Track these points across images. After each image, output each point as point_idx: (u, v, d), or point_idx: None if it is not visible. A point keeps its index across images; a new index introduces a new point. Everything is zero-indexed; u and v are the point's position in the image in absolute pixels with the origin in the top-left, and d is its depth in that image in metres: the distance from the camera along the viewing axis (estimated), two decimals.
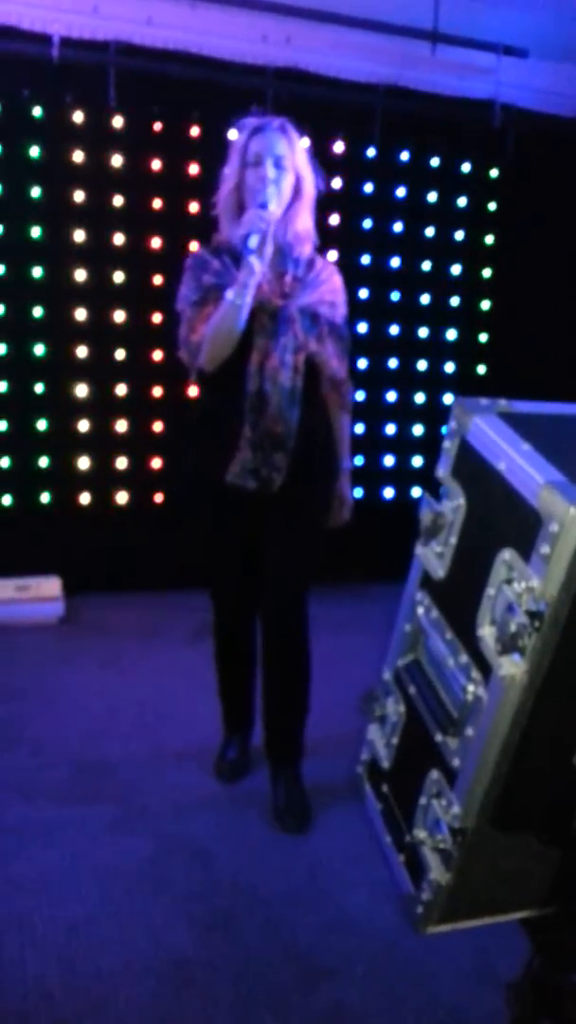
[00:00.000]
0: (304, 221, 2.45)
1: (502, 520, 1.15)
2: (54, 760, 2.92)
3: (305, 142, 2.46)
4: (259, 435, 2.39)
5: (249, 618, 2.71)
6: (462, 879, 1.29)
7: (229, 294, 2.29)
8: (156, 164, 4.01)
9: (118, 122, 3.91)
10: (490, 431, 1.19)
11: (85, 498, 4.20)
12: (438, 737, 1.27)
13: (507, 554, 1.14)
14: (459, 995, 2.07)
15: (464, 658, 1.23)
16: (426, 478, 4.71)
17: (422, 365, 4.63)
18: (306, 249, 2.47)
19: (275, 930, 2.24)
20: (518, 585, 1.11)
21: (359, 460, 4.55)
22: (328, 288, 2.48)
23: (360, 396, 4.52)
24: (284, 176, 2.36)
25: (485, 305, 4.68)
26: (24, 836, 2.54)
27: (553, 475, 1.10)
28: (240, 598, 2.67)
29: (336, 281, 2.51)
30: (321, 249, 4.11)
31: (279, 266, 2.41)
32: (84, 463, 4.17)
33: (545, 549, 1.07)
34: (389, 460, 4.65)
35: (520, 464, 1.13)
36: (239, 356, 2.36)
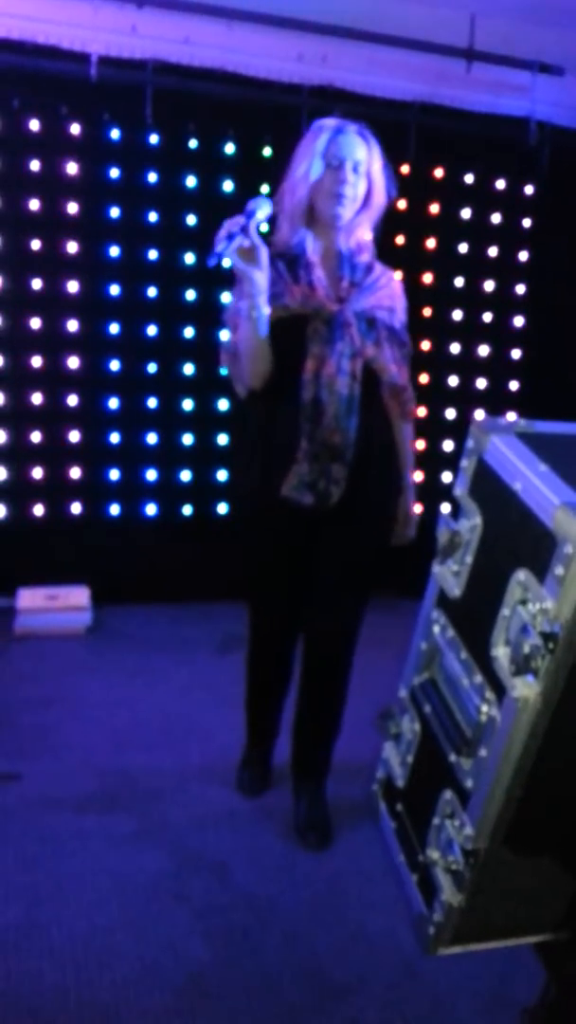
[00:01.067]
0: (367, 230, 2.38)
1: (517, 540, 1.15)
2: (77, 770, 2.94)
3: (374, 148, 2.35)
4: (316, 446, 2.29)
5: (291, 636, 2.62)
6: (474, 901, 1.28)
7: (242, 308, 2.22)
8: (191, 181, 4.05)
9: (154, 139, 3.97)
10: (507, 451, 1.20)
11: (115, 509, 4.24)
12: (452, 757, 1.27)
13: (522, 575, 1.14)
14: (476, 1018, 2.05)
15: (479, 678, 1.23)
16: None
17: (453, 381, 4.61)
18: (364, 258, 2.39)
19: (292, 946, 2.23)
20: (532, 606, 1.11)
21: None
22: (386, 293, 2.39)
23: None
24: (360, 182, 2.28)
25: (518, 321, 4.66)
26: (45, 845, 2.55)
27: (569, 496, 1.10)
28: (284, 615, 2.58)
29: (395, 287, 2.43)
30: None
31: (337, 271, 2.33)
32: (115, 474, 4.21)
33: (560, 570, 1.07)
34: (419, 476, 4.63)
35: (536, 485, 1.13)
36: (293, 365, 2.28)
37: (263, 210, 2.18)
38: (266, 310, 2.20)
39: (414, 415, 2.53)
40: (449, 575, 1.30)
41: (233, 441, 4.28)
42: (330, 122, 2.32)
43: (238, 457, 4.16)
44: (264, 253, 2.17)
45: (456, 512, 1.30)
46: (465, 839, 1.23)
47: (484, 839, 1.23)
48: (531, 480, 1.13)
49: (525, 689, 1.12)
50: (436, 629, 1.34)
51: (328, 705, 2.62)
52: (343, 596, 2.47)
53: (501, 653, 1.17)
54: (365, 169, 2.29)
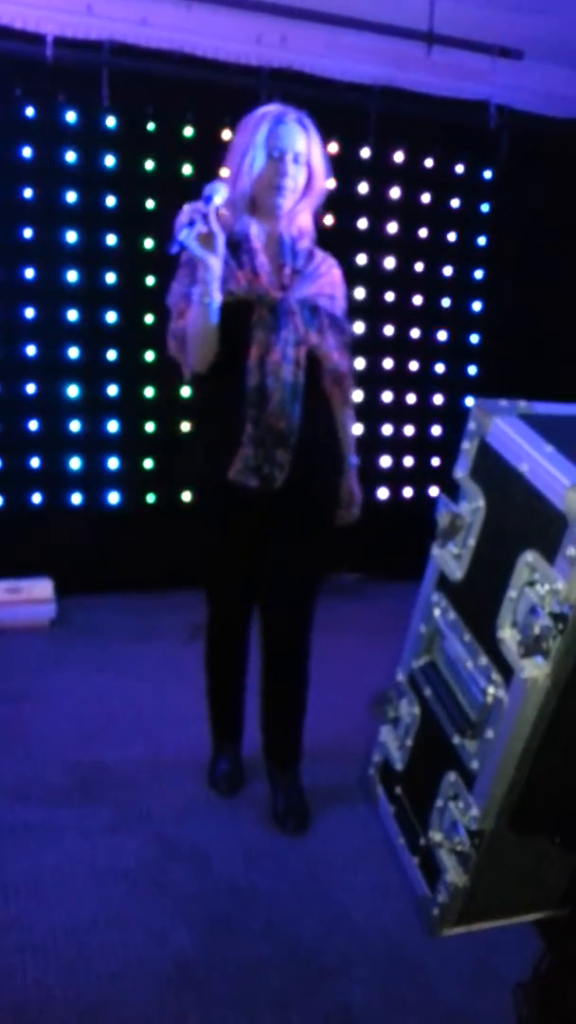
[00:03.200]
0: (307, 216, 2.43)
1: (525, 522, 1.15)
2: (49, 763, 2.90)
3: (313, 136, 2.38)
4: (261, 431, 2.33)
5: (246, 621, 2.67)
6: (479, 881, 1.29)
7: (194, 294, 2.23)
8: (149, 164, 3.99)
9: (111, 122, 3.90)
10: (512, 432, 1.19)
11: (77, 498, 4.18)
12: (456, 739, 1.27)
13: (530, 556, 1.14)
14: (462, 995, 2.07)
15: (483, 660, 1.23)
16: (419, 478, 4.72)
17: (413, 366, 4.63)
18: (305, 243, 2.43)
19: (276, 931, 2.23)
20: (542, 587, 1.11)
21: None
22: (327, 280, 2.44)
23: (357, 396, 4.53)
24: (300, 172, 2.32)
25: (477, 306, 4.69)
26: (20, 839, 2.52)
27: None
28: (239, 600, 2.62)
29: (335, 274, 2.48)
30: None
31: (279, 258, 2.36)
32: (76, 463, 4.15)
33: (571, 551, 1.07)
34: (386, 461, 4.66)
35: (544, 465, 1.13)
36: (238, 351, 2.31)
37: (220, 195, 2.18)
38: (218, 297, 2.23)
39: (353, 401, 2.60)
40: (450, 558, 1.30)
41: None
42: (271, 110, 2.33)
43: (187, 442, 4.15)
44: (221, 240, 2.19)
45: (456, 494, 1.30)
46: (471, 820, 1.24)
47: (490, 820, 1.23)
48: (539, 461, 1.13)
49: (535, 670, 1.12)
50: (436, 612, 1.33)
51: (291, 687, 2.64)
52: (294, 577, 2.52)
53: (508, 635, 1.17)
54: (305, 159, 2.33)
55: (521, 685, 1.14)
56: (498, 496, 1.22)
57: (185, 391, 4.18)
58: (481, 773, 1.23)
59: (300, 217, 2.41)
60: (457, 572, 1.29)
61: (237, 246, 2.32)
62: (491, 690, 1.20)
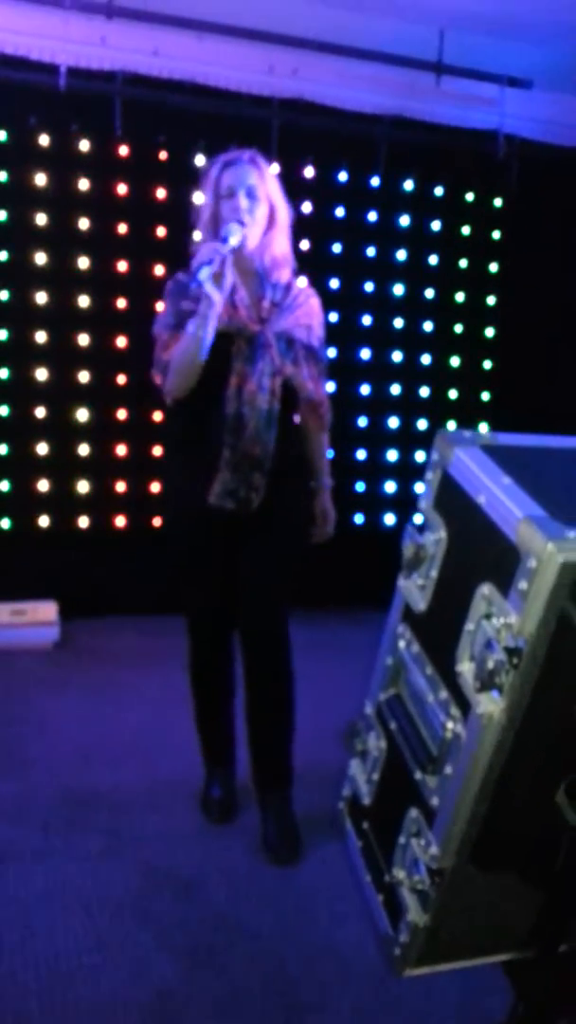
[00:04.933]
0: (280, 246, 2.49)
1: (482, 554, 1.14)
2: (43, 787, 2.89)
3: (275, 168, 2.53)
4: (237, 457, 2.42)
5: (227, 644, 2.70)
6: (440, 921, 1.26)
7: (190, 327, 2.33)
8: (161, 193, 4.04)
9: (124, 151, 3.95)
10: (471, 464, 1.18)
11: (83, 522, 4.19)
12: (417, 775, 1.25)
13: (486, 589, 1.12)
14: None
15: (444, 694, 1.21)
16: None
17: (425, 392, 4.63)
18: (284, 274, 2.51)
19: (260, 963, 2.20)
20: (497, 620, 1.10)
21: (360, 486, 4.55)
22: (304, 312, 2.52)
23: (363, 422, 4.53)
24: (257, 206, 2.41)
25: (489, 332, 4.69)
26: (9, 863, 2.51)
27: (533, 509, 1.09)
28: (219, 624, 2.66)
29: (313, 304, 2.56)
30: (324, 277, 4.14)
31: (257, 291, 2.46)
32: (83, 487, 4.17)
33: (523, 585, 1.05)
34: (391, 487, 4.64)
35: (500, 497, 1.11)
36: (216, 380, 2.40)
37: (235, 236, 2.32)
38: (212, 334, 2.33)
39: (328, 426, 2.69)
40: (415, 589, 1.29)
41: None
42: (221, 156, 2.45)
43: (163, 467, 4.16)
44: (230, 282, 2.32)
45: (421, 526, 1.29)
46: (431, 858, 1.21)
47: (450, 858, 1.21)
48: (494, 493, 1.12)
49: (490, 705, 1.11)
50: (402, 644, 1.32)
51: (275, 707, 2.64)
52: (267, 592, 2.58)
53: (466, 668, 1.15)
54: (262, 192, 2.42)
55: (477, 720, 1.12)
56: (458, 527, 1.21)
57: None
58: (440, 810, 1.21)
59: (273, 247, 2.47)
60: (421, 603, 1.28)
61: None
62: (450, 725, 1.18)
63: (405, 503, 4.65)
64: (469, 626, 1.15)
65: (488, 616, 1.12)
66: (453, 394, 4.69)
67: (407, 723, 1.30)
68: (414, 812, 1.26)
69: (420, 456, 4.66)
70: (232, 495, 2.44)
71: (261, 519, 2.49)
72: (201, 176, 2.51)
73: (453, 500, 1.21)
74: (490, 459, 1.18)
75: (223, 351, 2.38)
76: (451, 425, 4.68)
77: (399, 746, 1.31)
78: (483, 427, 4.46)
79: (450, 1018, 2.06)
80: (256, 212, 2.41)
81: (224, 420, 2.41)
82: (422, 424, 4.65)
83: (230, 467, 2.42)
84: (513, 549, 1.07)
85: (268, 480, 2.46)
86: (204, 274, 2.23)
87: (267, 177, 2.45)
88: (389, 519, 4.65)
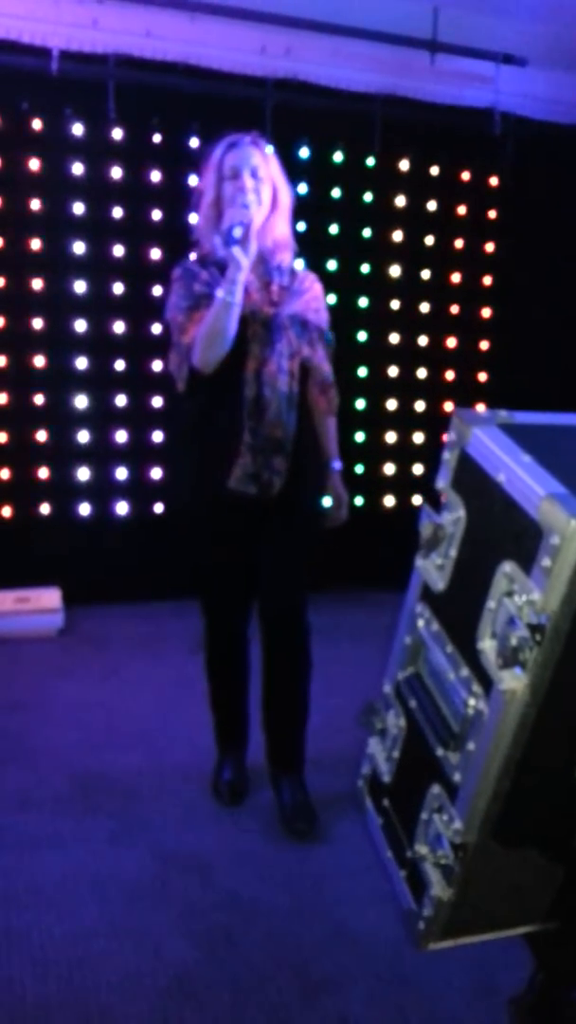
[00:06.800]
0: (282, 229, 2.50)
1: (502, 532, 1.14)
2: (52, 773, 2.91)
3: (270, 149, 2.51)
4: (259, 440, 2.43)
5: (244, 628, 2.71)
6: (463, 895, 1.27)
7: (219, 292, 2.31)
8: (156, 176, 4.01)
9: (118, 134, 3.92)
10: (490, 442, 1.19)
11: (85, 509, 4.19)
12: (439, 751, 1.26)
13: (508, 567, 1.13)
14: (461, 1009, 2.05)
15: (465, 671, 1.22)
16: (427, 486, 4.69)
17: (422, 373, 4.62)
18: (286, 257, 2.53)
19: (276, 944, 2.22)
20: (519, 598, 1.10)
21: (358, 469, 4.55)
22: (312, 296, 2.56)
23: (361, 404, 4.52)
24: (262, 187, 2.41)
25: (486, 313, 4.68)
26: (22, 849, 2.52)
27: (554, 487, 1.09)
28: (236, 606, 2.67)
29: (317, 289, 2.59)
30: (321, 258, 4.13)
31: (264, 275, 2.47)
32: (84, 474, 4.16)
33: (546, 562, 1.06)
34: (390, 468, 4.64)
35: (520, 476, 1.12)
36: (234, 363, 2.39)
37: (253, 206, 2.35)
38: (240, 298, 2.33)
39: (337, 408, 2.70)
40: (433, 569, 1.29)
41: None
42: (227, 139, 2.45)
43: (177, 452, 4.16)
44: (254, 246, 2.34)
45: (438, 505, 1.29)
46: (454, 833, 1.22)
47: (473, 833, 1.22)
48: (515, 471, 1.12)
49: (513, 682, 1.11)
50: (420, 623, 1.32)
51: (293, 691, 2.66)
52: (288, 577, 2.60)
53: (487, 646, 1.16)
54: (265, 173, 2.42)
55: (500, 697, 1.13)
56: (478, 506, 1.21)
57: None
58: (463, 786, 1.21)
59: (275, 231, 2.48)
60: (440, 583, 1.28)
61: (224, 267, 2.37)
62: (472, 702, 1.19)
63: (404, 485, 4.65)
64: (490, 604, 1.16)
65: (510, 594, 1.12)
66: (450, 375, 4.68)
67: (428, 701, 1.30)
68: (436, 788, 1.27)
69: (418, 437, 4.67)
70: (254, 479, 2.45)
71: (281, 504, 2.50)
72: (203, 158, 2.50)
73: (472, 479, 1.21)
74: (509, 438, 1.18)
75: (238, 335, 2.37)
76: (448, 406, 4.68)
77: (419, 724, 1.31)
78: (481, 407, 4.45)
79: (466, 995, 2.09)
80: (261, 192, 2.41)
81: (244, 403, 2.42)
82: (420, 405, 4.65)
83: (252, 451, 2.43)
84: (535, 526, 1.07)
85: (289, 463, 2.47)
86: (238, 232, 2.26)
87: (269, 159, 2.45)
88: (388, 501, 4.65)
